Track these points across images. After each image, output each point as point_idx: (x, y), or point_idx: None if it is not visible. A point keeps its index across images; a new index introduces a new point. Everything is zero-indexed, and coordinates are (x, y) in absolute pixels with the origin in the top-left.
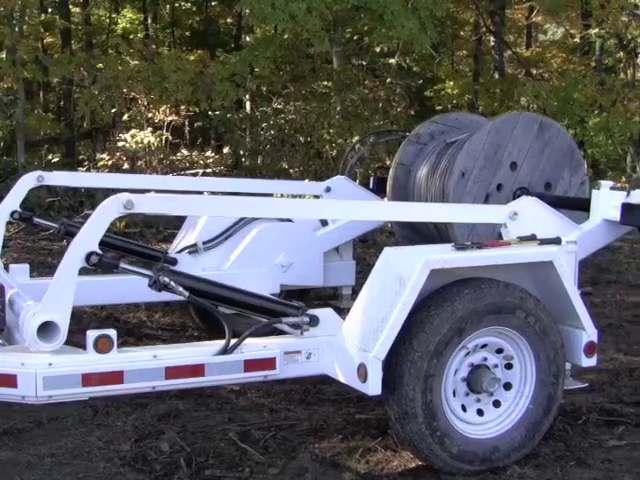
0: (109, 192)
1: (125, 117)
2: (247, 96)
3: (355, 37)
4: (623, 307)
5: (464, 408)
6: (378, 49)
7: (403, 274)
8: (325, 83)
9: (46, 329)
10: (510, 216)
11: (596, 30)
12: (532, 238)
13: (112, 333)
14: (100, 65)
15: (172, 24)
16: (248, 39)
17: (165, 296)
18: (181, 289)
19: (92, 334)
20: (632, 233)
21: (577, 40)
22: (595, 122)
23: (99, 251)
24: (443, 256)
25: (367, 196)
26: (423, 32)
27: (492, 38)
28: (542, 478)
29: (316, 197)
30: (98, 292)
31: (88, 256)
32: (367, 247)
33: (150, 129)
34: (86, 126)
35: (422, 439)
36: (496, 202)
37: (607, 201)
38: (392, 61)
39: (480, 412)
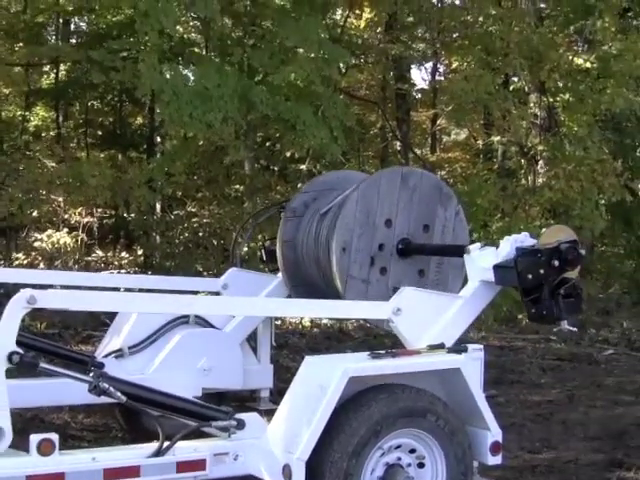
0: None
1: (35, 214)
2: (159, 199)
3: (267, 143)
4: (526, 406)
5: None
6: (289, 154)
7: (323, 382)
8: (237, 187)
9: None
10: (394, 312)
11: (498, 138)
12: (441, 347)
13: (54, 437)
14: (21, 167)
15: (85, 123)
16: (163, 144)
17: (88, 399)
18: (119, 394)
19: (35, 438)
20: (535, 332)
21: (480, 143)
22: (498, 226)
23: (19, 350)
24: (360, 365)
25: (262, 280)
26: (334, 141)
27: (398, 142)
28: None
29: (216, 294)
30: (21, 395)
31: (10, 356)
32: (281, 348)
33: (66, 230)
34: None
35: None
36: (381, 262)
37: (479, 264)
38: (303, 167)
39: None
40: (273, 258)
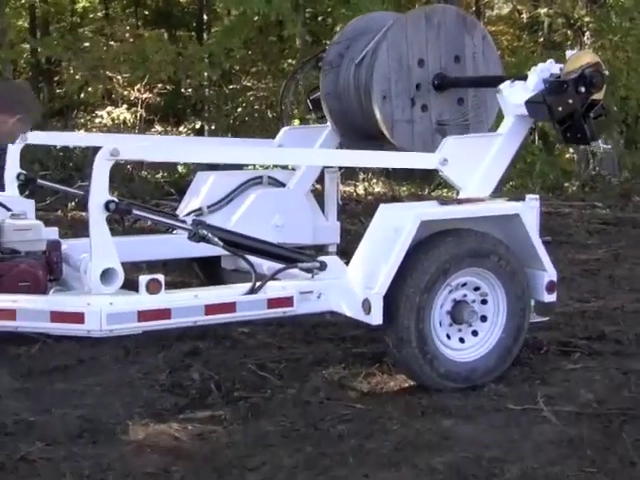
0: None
1: (91, 90)
2: (218, 73)
3: (318, 19)
4: (574, 263)
5: (448, 336)
6: (338, 28)
7: (398, 225)
8: (290, 61)
9: (105, 275)
10: (441, 162)
11: (545, 10)
12: (501, 196)
13: (160, 277)
14: (86, 44)
15: (135, 3)
16: (212, 22)
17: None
18: (216, 240)
19: (144, 278)
20: (581, 200)
21: (524, 17)
22: None
23: (114, 199)
24: (430, 210)
25: (314, 133)
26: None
27: None
28: (513, 393)
29: None
30: None
31: (107, 204)
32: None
33: (125, 106)
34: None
35: (415, 361)
36: (421, 101)
37: (512, 100)
38: None
39: (461, 340)
40: (319, 106)
